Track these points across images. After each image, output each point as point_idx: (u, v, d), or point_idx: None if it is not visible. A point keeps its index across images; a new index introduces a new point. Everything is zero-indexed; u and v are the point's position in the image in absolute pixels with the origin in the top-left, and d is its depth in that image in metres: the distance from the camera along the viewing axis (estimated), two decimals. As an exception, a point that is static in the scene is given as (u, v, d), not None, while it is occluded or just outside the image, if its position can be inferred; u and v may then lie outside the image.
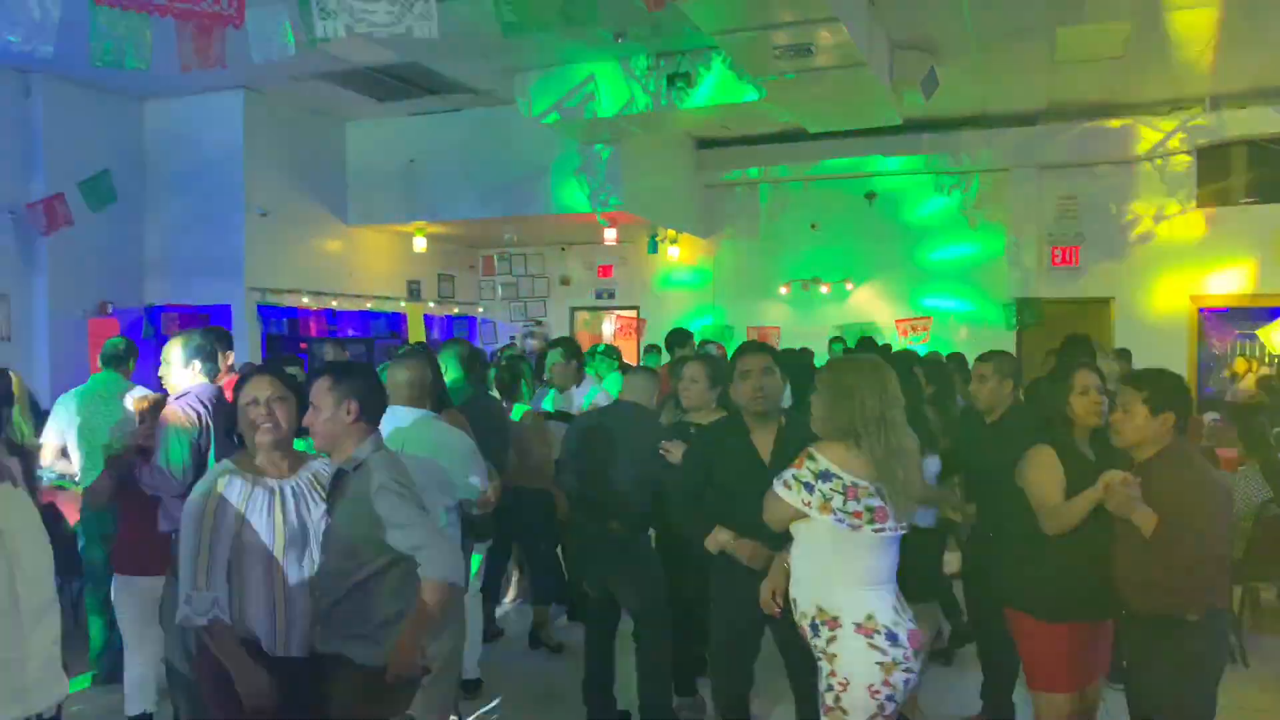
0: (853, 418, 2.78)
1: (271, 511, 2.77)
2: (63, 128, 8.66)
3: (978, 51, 8.23)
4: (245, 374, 3.10)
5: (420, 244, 11.28)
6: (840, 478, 2.76)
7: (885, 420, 2.78)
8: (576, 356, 5.98)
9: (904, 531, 2.84)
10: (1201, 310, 10.42)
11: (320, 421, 2.83)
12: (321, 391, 2.83)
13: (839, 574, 2.81)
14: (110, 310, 9.13)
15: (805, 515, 2.80)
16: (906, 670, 2.73)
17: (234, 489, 2.78)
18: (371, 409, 2.89)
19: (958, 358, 6.72)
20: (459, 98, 9.67)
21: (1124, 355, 7.87)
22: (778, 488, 2.85)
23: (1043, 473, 3.32)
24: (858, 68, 7.09)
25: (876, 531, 2.76)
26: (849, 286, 11.79)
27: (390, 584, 2.77)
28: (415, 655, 2.78)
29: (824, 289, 11.86)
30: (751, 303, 12.14)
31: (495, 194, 10.17)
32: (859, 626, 2.75)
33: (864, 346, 8.18)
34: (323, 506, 2.85)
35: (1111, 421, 3.23)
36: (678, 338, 7.94)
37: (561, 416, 5.72)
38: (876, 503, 2.76)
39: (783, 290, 12.04)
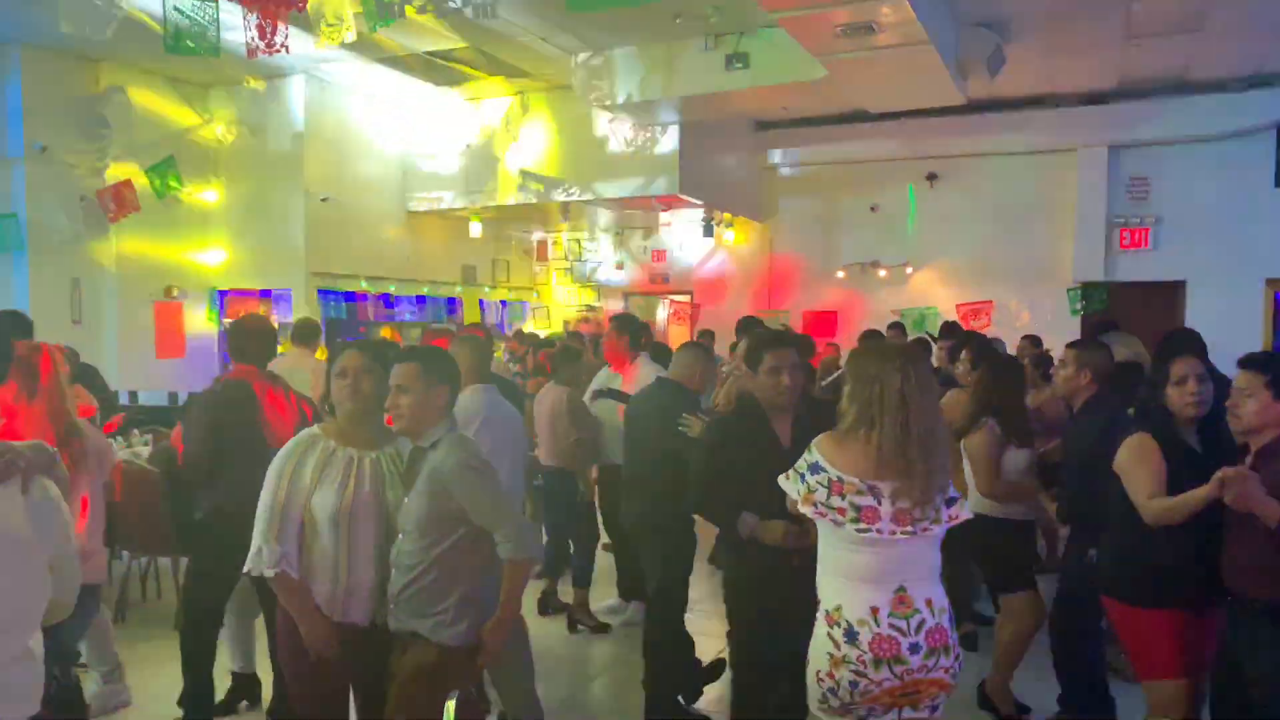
0: (869, 406, 2.70)
1: (346, 479, 2.87)
2: (131, 117, 8.83)
3: (1047, 29, 8.00)
4: (339, 349, 3.18)
5: (476, 229, 11.33)
6: (826, 471, 2.71)
7: (907, 409, 2.67)
8: (628, 331, 5.88)
9: (911, 533, 2.68)
10: (1278, 294, 10.07)
11: (406, 404, 2.86)
12: (412, 376, 2.87)
13: (824, 560, 2.80)
14: (175, 294, 9.32)
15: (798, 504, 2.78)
16: (856, 672, 2.64)
17: (314, 452, 2.90)
18: (455, 393, 2.99)
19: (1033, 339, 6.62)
20: (518, 82, 9.67)
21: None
22: (780, 478, 2.85)
23: (1141, 463, 3.24)
24: (921, 46, 6.93)
25: (861, 532, 2.67)
26: (908, 270, 11.60)
27: (465, 562, 2.82)
28: (507, 635, 2.85)
29: (882, 273, 11.68)
30: (808, 286, 12.01)
31: (551, 178, 10.17)
32: (827, 614, 2.73)
33: (950, 332, 7.93)
34: (399, 486, 2.92)
35: (1229, 406, 3.10)
36: (748, 324, 7.84)
37: (615, 395, 5.70)
38: (866, 501, 2.67)
39: (840, 274, 11.88)
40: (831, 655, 2.66)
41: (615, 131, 9.65)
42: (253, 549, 2.85)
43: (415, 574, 2.80)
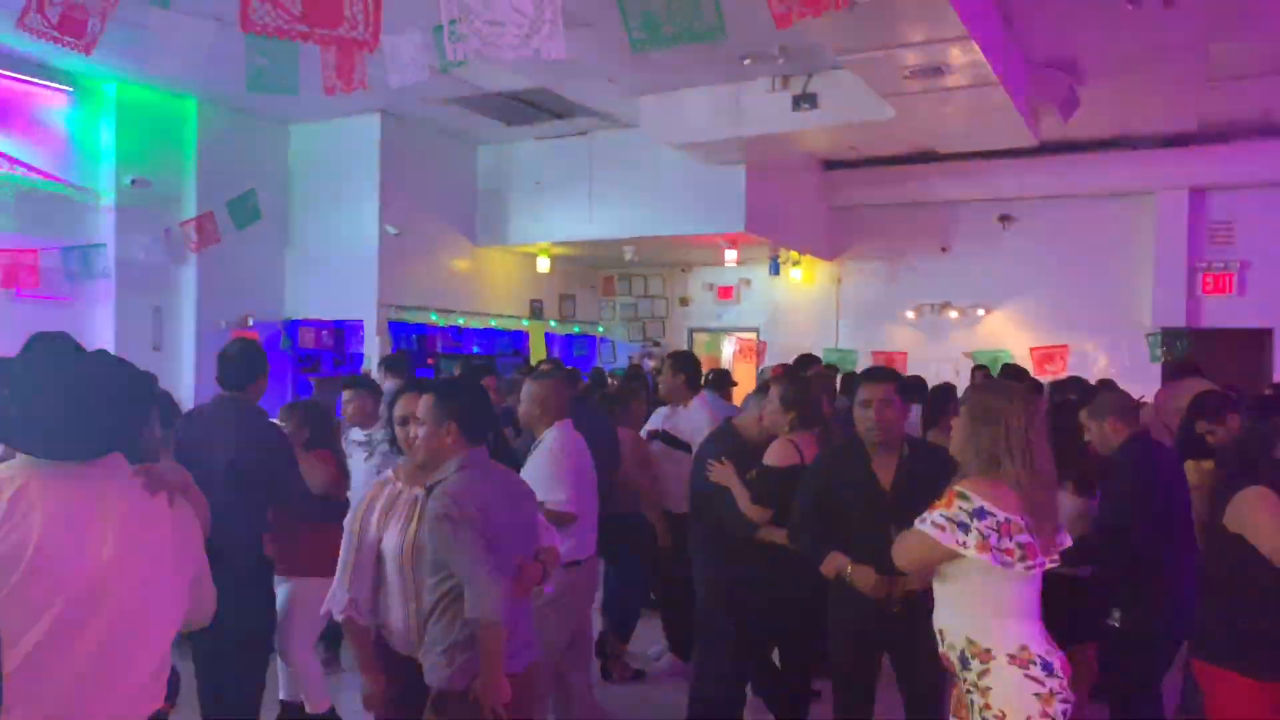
0: (995, 444, 2.72)
1: (410, 519, 2.94)
2: (215, 150, 9.18)
3: (1122, 70, 7.85)
4: (398, 390, 3.25)
5: (544, 264, 11.47)
6: (994, 515, 2.68)
7: (1030, 446, 2.71)
8: (685, 370, 5.71)
9: (1053, 565, 2.75)
10: (1372, 344, 9.65)
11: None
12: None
13: (991, 607, 2.76)
14: (251, 323, 9.59)
15: (960, 555, 2.70)
16: (1064, 700, 2.67)
17: (383, 495, 3.01)
18: (471, 429, 2.90)
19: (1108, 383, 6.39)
20: (585, 120, 9.81)
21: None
22: (927, 530, 2.74)
23: (1268, 515, 3.07)
24: (991, 87, 6.86)
25: (1028, 569, 2.69)
26: (980, 312, 11.39)
27: (459, 606, 2.75)
28: (495, 686, 2.69)
29: (953, 314, 11.49)
30: (877, 327, 11.87)
31: (617, 215, 10.26)
32: (1013, 658, 2.69)
33: (1008, 375, 7.83)
34: None
35: None
36: (804, 362, 7.78)
37: (665, 438, 5.58)
38: (1026, 539, 2.68)
39: (910, 315, 11.72)
40: (1039, 695, 2.66)
41: (682, 170, 9.70)
42: (330, 590, 2.98)
43: (432, 614, 2.81)
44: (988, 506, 2.68)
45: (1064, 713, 2.67)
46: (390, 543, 2.92)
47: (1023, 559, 2.67)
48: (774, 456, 3.94)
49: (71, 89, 8.28)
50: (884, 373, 3.80)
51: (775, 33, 6.81)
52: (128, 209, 8.59)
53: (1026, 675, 2.66)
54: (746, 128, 8.30)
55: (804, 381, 4.33)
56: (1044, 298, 11.01)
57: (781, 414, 4.02)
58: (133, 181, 8.56)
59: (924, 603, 3.27)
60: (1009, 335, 11.21)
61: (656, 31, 3.09)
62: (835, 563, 3.44)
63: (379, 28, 3.45)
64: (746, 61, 7.51)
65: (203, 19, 4.91)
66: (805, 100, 7.68)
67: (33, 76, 7.95)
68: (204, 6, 4.90)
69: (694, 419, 5.53)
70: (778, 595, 4.04)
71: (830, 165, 11.52)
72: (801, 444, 3.95)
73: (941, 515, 2.72)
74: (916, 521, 2.81)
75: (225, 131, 9.30)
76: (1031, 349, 10.91)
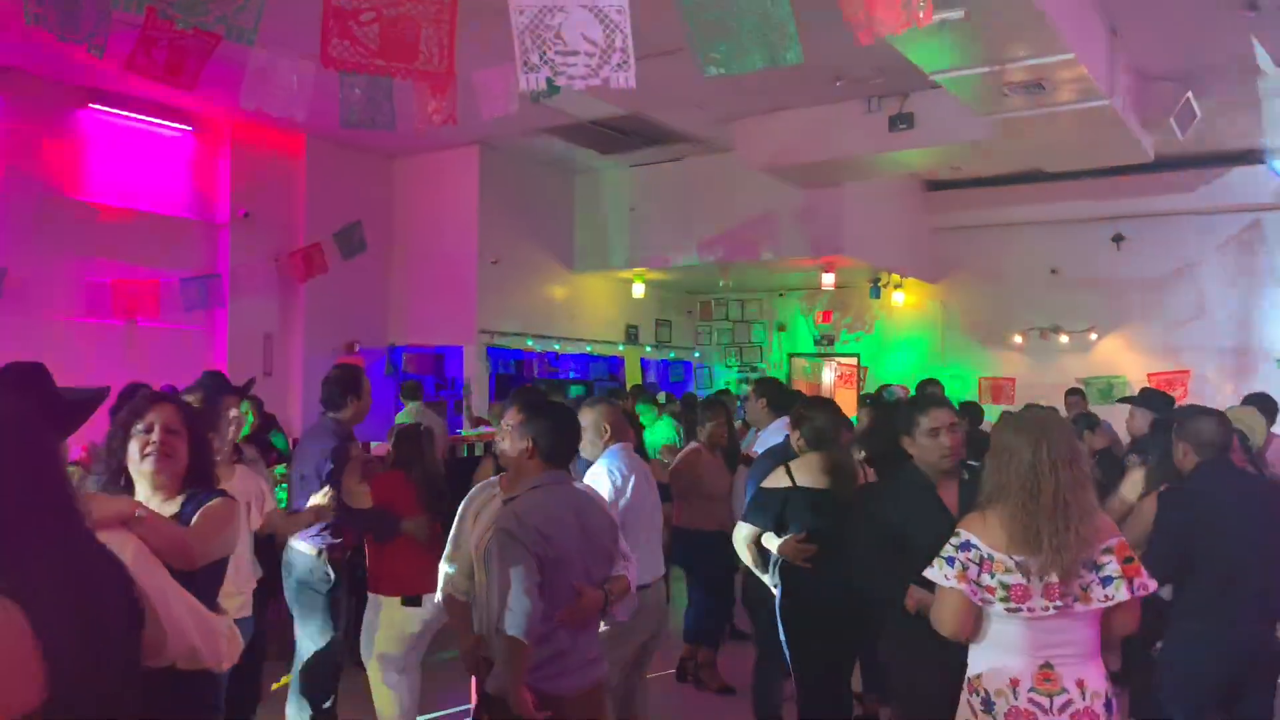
0: (1001, 477, 2.64)
1: (489, 525, 3.12)
2: (322, 184, 9.54)
3: (1241, 81, 7.43)
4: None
5: (639, 290, 11.50)
6: (978, 549, 2.60)
7: (1038, 480, 2.57)
8: (766, 395, 5.78)
9: (1060, 608, 2.53)
10: None
11: (505, 450, 3.11)
12: (511, 423, 3.04)
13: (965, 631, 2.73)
14: (357, 349, 9.89)
15: (959, 592, 2.60)
16: None
17: (483, 495, 3.32)
18: (551, 450, 2.97)
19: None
20: (679, 147, 9.83)
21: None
22: (932, 574, 2.68)
23: None
24: (1098, 102, 6.57)
25: (1010, 611, 2.56)
26: (1092, 336, 10.90)
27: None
28: (515, 697, 2.75)
29: (1064, 338, 11.02)
30: (983, 352, 11.48)
31: (713, 240, 10.23)
32: (969, 681, 2.71)
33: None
34: None
35: None
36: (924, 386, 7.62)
37: (745, 460, 5.62)
38: (1014, 579, 2.55)
39: (1018, 339, 11.30)
40: None
41: (777, 191, 9.60)
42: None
43: (499, 621, 2.87)
44: (973, 539, 2.62)
45: None
46: (473, 541, 3.13)
47: (1005, 600, 2.55)
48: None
49: (191, 127, 8.73)
50: (940, 399, 3.78)
51: (869, 53, 6.75)
52: (241, 241, 8.98)
53: (967, 700, 2.68)
54: (841, 149, 8.18)
55: (881, 409, 4.32)
56: (1161, 320, 10.46)
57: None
58: (244, 214, 8.95)
59: None
60: (1123, 360, 10.68)
61: (728, 55, 3.05)
62: (916, 596, 3.35)
63: (453, 61, 3.51)
64: (839, 83, 7.40)
65: (302, 58, 5.10)
66: (902, 120, 7.52)
67: (154, 116, 8.42)
68: (304, 45, 5.09)
69: (768, 443, 5.50)
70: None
71: (933, 186, 11.24)
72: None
73: (940, 556, 2.67)
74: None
75: (332, 165, 9.66)
76: (1149, 374, 10.36)
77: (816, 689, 4.11)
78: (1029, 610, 2.54)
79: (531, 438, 2.95)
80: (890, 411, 4.36)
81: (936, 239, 11.69)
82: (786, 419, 5.67)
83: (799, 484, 4.10)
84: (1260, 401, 6.16)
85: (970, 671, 2.70)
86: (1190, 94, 7.33)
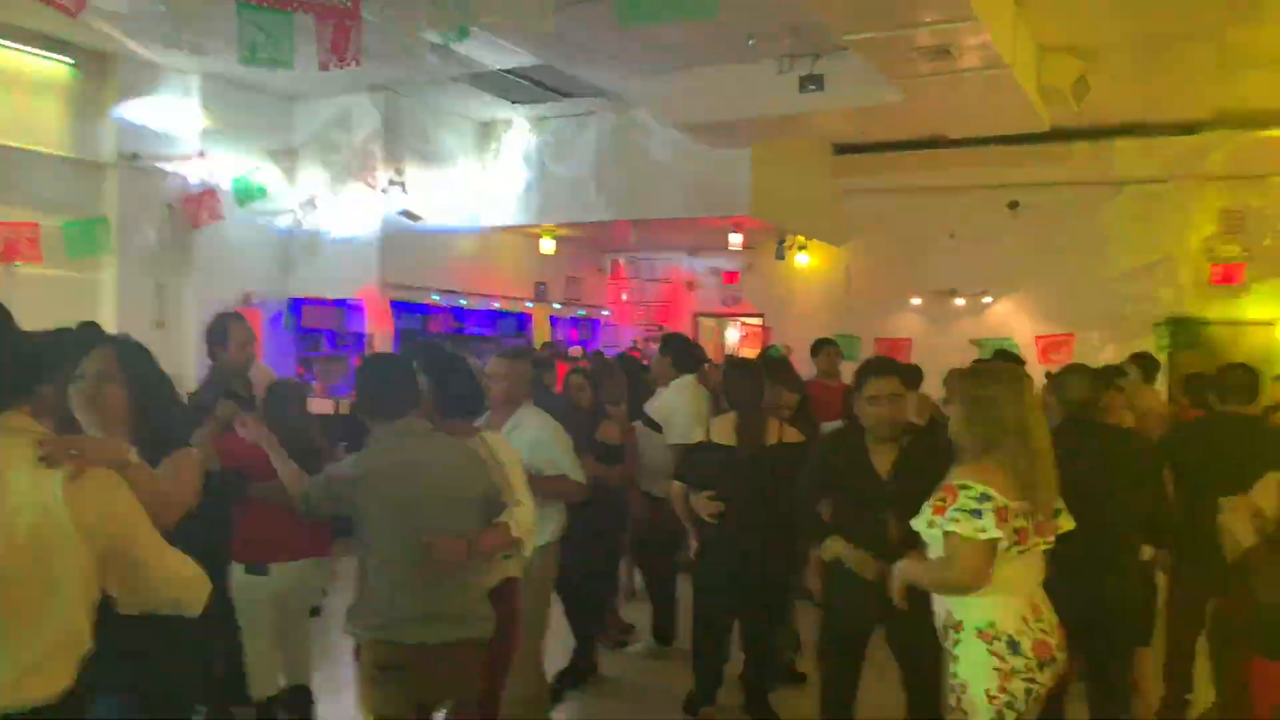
0: (991, 428, 2.76)
1: None
2: (219, 127, 9.13)
3: (1137, 57, 7.72)
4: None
5: (548, 246, 11.41)
6: (995, 499, 2.71)
7: (1025, 428, 2.76)
8: (670, 352, 5.76)
9: (1047, 546, 2.82)
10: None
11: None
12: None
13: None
14: (254, 301, 9.56)
15: (998, 542, 2.69)
16: (1028, 680, 2.73)
17: None
18: (374, 403, 3.11)
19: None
20: (590, 101, 9.72)
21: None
22: (959, 529, 2.69)
23: None
24: (1001, 71, 6.75)
25: (1020, 553, 2.77)
26: (986, 299, 11.30)
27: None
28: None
29: (960, 301, 11.40)
30: (882, 313, 11.78)
31: (623, 197, 10.18)
32: (980, 632, 2.77)
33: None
34: None
35: None
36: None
37: (646, 420, 5.58)
38: (1021, 524, 2.75)
39: (916, 301, 11.63)
40: (999, 670, 2.73)
41: (688, 152, 9.60)
42: None
43: None
44: (990, 491, 2.72)
45: (1027, 691, 2.72)
46: None
47: (1016, 544, 2.74)
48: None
49: (74, 61, 8.23)
50: (888, 365, 3.76)
51: (782, 12, 6.78)
52: (131, 184, 8.55)
53: (990, 650, 2.75)
54: (752, 109, 8.21)
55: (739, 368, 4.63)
56: (1051, 286, 10.92)
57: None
58: (134, 156, 8.52)
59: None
60: (1015, 323, 11.12)
61: (643, 6, 3.02)
62: (835, 548, 3.49)
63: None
64: (752, 42, 7.41)
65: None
66: (812, 82, 7.57)
67: (36, 47, 7.91)
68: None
69: (668, 400, 5.57)
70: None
71: (839, 150, 11.40)
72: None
73: (955, 511, 2.72)
74: (922, 524, 2.82)
75: (230, 108, 9.24)
76: (1037, 337, 10.81)
77: (702, 640, 4.39)
78: (1030, 550, 2.76)
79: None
80: (749, 370, 4.53)
81: (841, 202, 11.89)
82: (689, 377, 5.74)
83: (714, 440, 4.24)
84: (1141, 360, 6.52)
85: (978, 624, 2.77)
86: (1085, 67, 7.61)
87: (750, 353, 11.99)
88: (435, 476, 2.95)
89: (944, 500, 2.77)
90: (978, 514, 2.68)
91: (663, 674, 5.25)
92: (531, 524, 3.25)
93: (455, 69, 8.60)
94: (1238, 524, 2.72)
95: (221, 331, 4.39)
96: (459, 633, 2.94)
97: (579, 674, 5.07)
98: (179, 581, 2.09)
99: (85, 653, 1.91)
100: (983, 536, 2.68)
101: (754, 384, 4.35)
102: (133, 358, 2.58)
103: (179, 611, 2.11)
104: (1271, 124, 9.37)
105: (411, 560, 2.84)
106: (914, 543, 2.99)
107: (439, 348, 3.82)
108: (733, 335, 13.34)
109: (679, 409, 5.43)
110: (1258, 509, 2.74)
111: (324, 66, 5.28)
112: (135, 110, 8.56)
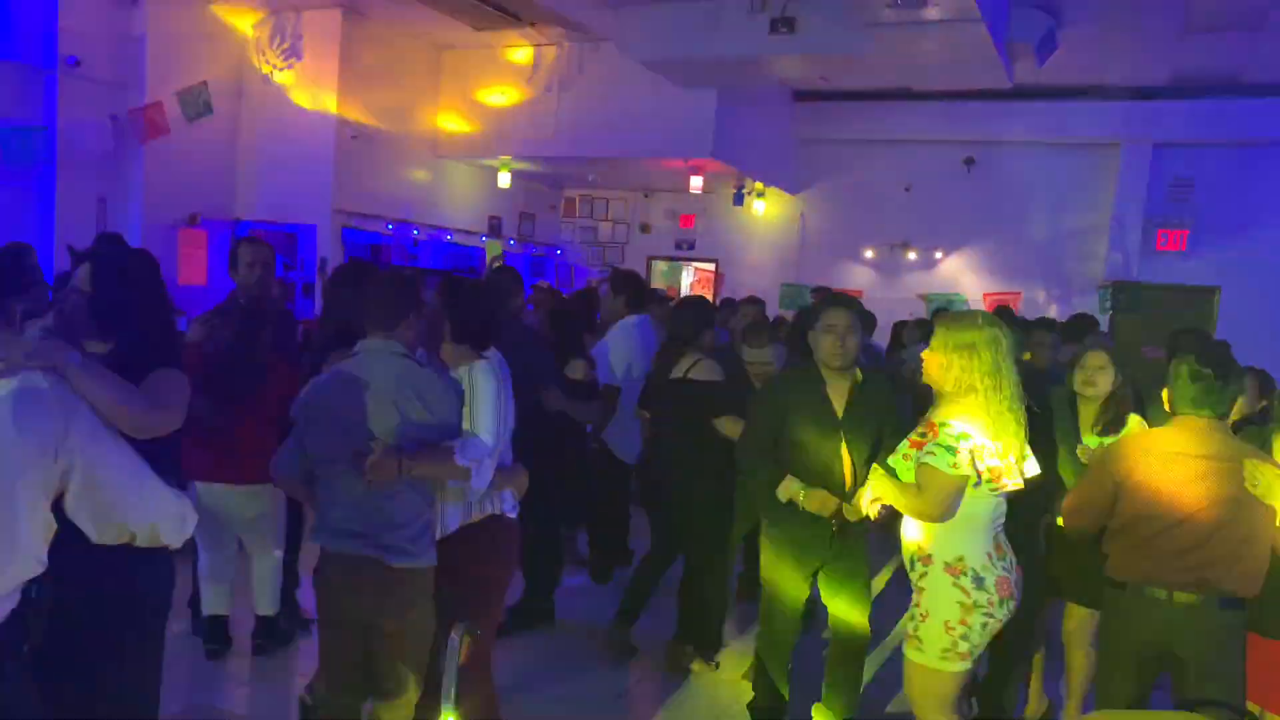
0: (968, 373, 2.82)
1: None
2: (167, 37, 8.75)
3: (1101, 16, 7.80)
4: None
5: (505, 179, 11.23)
6: (973, 438, 2.81)
7: (1001, 374, 2.83)
8: (624, 292, 5.62)
9: (1015, 488, 2.90)
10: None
11: None
12: None
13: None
14: (200, 222, 9.29)
15: (968, 479, 2.80)
16: (986, 615, 2.83)
17: None
18: None
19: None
20: (556, 31, 9.52)
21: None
22: (934, 462, 2.80)
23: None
24: (972, 23, 6.77)
25: (992, 491, 2.84)
26: (938, 255, 11.45)
27: None
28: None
29: (911, 255, 11.53)
30: (834, 264, 11.87)
31: (583, 133, 10.03)
32: (948, 566, 2.87)
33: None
34: None
35: None
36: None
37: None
38: (995, 463, 2.83)
39: (868, 253, 11.74)
40: (962, 603, 2.83)
41: (653, 90, 9.48)
42: None
43: None
44: (970, 429, 2.82)
45: (984, 625, 2.84)
46: None
47: (989, 482, 2.82)
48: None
49: (13, -41, 7.81)
50: (846, 300, 3.79)
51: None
52: (73, 92, 8.18)
53: (955, 584, 2.85)
54: (722, 48, 8.12)
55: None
56: (1001, 244, 11.09)
57: None
58: (75, 61, 8.15)
59: (857, 525, 3.51)
60: (964, 279, 11.30)
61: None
62: (790, 487, 3.50)
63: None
64: (725, -20, 7.32)
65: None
66: (783, 24, 7.52)
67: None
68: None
69: (614, 338, 5.43)
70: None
71: (800, 96, 11.36)
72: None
73: (934, 445, 2.81)
74: (897, 458, 2.92)
75: (178, 16, 8.86)
76: (985, 294, 11.01)
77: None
78: (1002, 488, 2.85)
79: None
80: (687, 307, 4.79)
81: (800, 150, 11.89)
82: (639, 317, 5.62)
83: (673, 376, 4.35)
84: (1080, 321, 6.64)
85: (947, 558, 2.87)
86: (1053, 24, 7.67)
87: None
88: (383, 394, 2.84)
89: (924, 435, 2.88)
90: (953, 450, 2.78)
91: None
92: (486, 454, 3.03)
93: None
94: None
95: (232, 253, 4.62)
96: (376, 553, 2.84)
97: (532, 615, 4.93)
98: (157, 510, 2.03)
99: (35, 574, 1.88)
100: (954, 472, 2.77)
101: (683, 321, 4.55)
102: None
103: (157, 543, 2.05)
104: (1225, 92, 9.58)
105: (341, 473, 2.82)
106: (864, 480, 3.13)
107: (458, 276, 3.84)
108: (686, 279, 13.34)
109: (615, 349, 5.33)
110: None
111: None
112: (78, 9, 8.16)
